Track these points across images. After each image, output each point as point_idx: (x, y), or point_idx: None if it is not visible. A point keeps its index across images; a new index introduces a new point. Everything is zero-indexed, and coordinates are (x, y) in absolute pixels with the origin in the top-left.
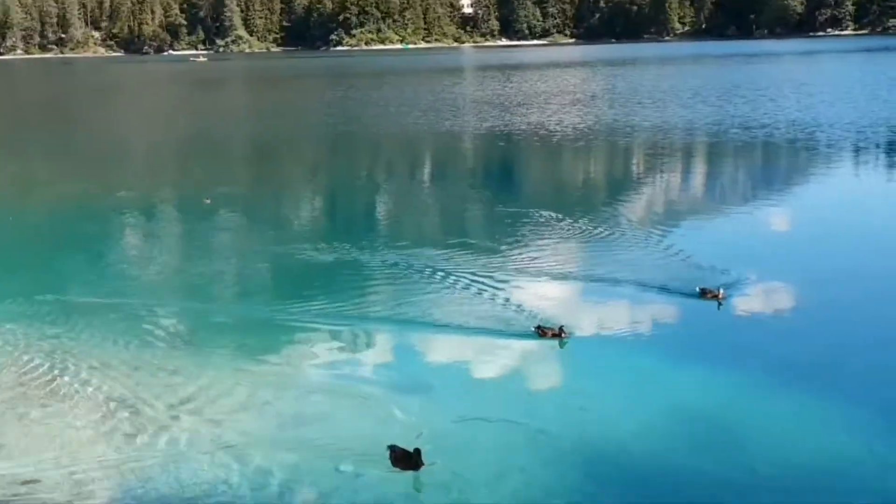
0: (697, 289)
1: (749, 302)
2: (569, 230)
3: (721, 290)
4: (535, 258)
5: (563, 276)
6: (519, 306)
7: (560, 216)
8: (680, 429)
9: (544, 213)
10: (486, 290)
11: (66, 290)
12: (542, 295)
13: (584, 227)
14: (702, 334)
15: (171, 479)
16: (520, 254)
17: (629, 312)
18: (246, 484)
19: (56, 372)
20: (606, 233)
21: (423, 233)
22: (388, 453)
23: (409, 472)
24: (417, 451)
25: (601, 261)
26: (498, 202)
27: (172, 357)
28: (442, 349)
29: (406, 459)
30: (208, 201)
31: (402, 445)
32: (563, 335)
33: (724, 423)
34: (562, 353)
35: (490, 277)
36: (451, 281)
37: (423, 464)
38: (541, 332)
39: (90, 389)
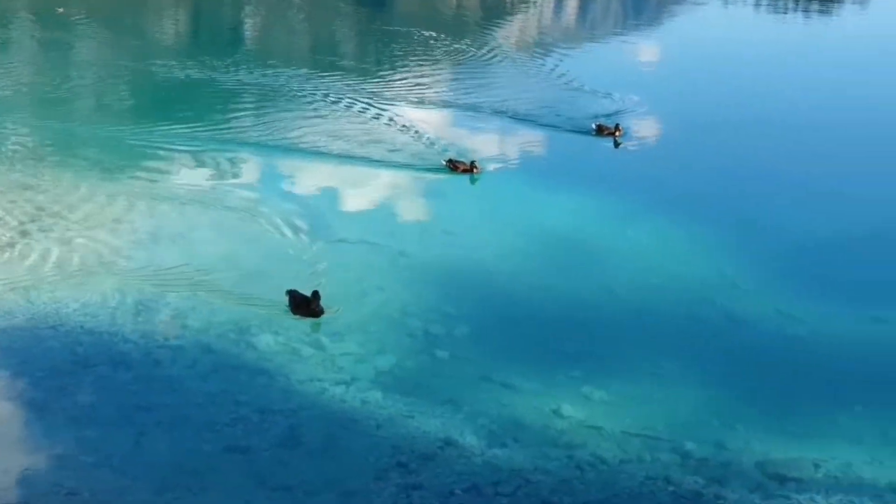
0: (593, 125)
1: (635, 135)
2: (453, 52)
3: (618, 128)
4: (423, 83)
5: (451, 104)
6: (413, 134)
7: (441, 36)
8: (547, 253)
9: (424, 32)
10: (376, 117)
11: None
12: (437, 124)
13: (466, 50)
14: (593, 168)
15: (19, 299)
16: (404, 78)
17: (527, 146)
18: (96, 303)
19: None
20: (490, 56)
21: (298, 51)
22: (286, 298)
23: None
24: (316, 293)
25: (488, 87)
26: (375, 19)
27: (24, 172)
28: (319, 175)
29: (305, 306)
30: (61, 10)
31: (300, 290)
32: (475, 170)
33: (590, 249)
34: (464, 186)
35: (376, 103)
36: (333, 104)
37: (322, 311)
38: (452, 165)
39: None
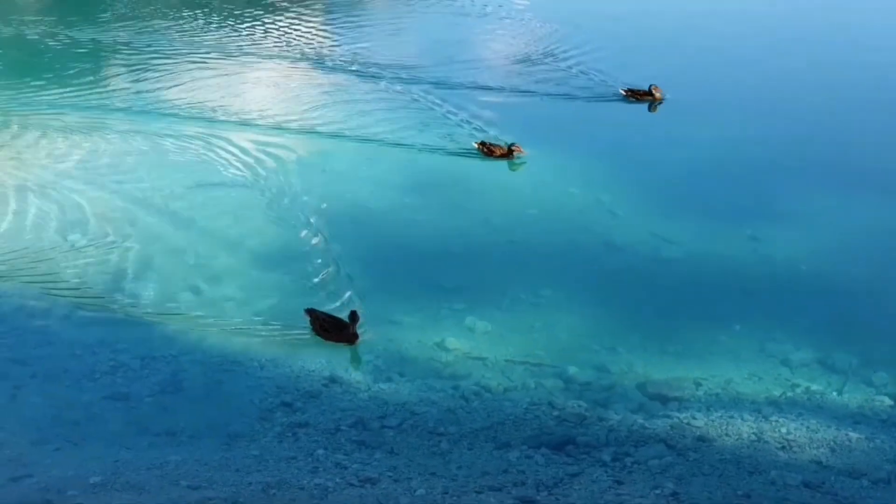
0: (622, 90)
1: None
2: None
3: (654, 89)
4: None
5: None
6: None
7: None
8: (426, 191)
9: None
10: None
11: None
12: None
13: None
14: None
15: None
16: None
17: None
18: None
19: None
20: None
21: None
22: (307, 319)
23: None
24: (353, 315)
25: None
26: None
27: None
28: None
29: (338, 328)
30: None
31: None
32: (512, 154)
33: (469, 185)
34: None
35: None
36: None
37: (358, 335)
38: (486, 150)
39: None
